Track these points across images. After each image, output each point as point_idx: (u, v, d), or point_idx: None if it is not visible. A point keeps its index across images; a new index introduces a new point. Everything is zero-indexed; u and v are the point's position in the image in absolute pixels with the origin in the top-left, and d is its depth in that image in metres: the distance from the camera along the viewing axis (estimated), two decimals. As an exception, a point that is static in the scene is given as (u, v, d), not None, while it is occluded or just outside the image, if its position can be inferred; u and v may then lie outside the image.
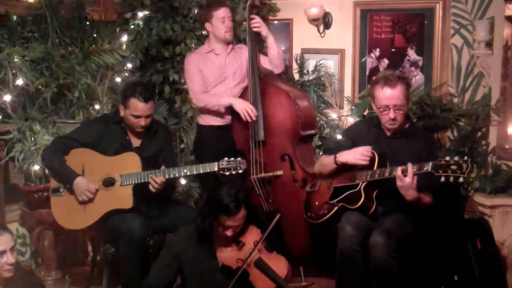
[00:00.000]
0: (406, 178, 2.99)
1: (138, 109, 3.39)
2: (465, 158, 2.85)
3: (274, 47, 3.95)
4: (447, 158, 2.87)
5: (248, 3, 3.95)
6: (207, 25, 3.95)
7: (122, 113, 3.47)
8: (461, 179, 2.83)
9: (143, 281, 3.16)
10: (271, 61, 3.99)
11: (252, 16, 3.93)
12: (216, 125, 3.98)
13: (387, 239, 3.06)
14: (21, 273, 2.93)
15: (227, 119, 3.98)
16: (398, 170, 3.02)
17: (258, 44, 4.03)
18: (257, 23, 3.90)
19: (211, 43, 3.98)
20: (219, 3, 3.98)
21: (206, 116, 4.00)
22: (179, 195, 4.17)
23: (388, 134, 3.31)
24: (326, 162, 3.43)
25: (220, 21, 3.88)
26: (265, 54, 4.04)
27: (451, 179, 2.84)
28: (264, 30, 3.92)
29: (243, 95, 3.95)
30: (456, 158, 2.85)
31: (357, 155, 3.22)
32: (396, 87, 3.17)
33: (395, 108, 3.18)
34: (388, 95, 3.18)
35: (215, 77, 3.94)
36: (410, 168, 2.98)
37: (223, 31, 3.89)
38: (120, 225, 3.30)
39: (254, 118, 3.81)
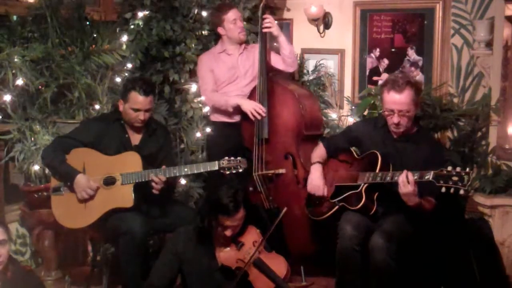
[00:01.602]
0: (407, 185, 2.97)
1: (137, 102, 3.40)
2: (467, 170, 2.84)
3: (286, 46, 3.99)
4: (449, 168, 2.86)
5: (261, 4, 4.00)
6: (219, 29, 4.03)
7: (121, 107, 3.48)
8: (461, 192, 2.83)
9: (143, 281, 3.16)
10: (284, 61, 4.04)
11: (265, 16, 3.97)
12: (226, 121, 4.06)
13: (388, 242, 3.06)
14: (21, 273, 2.93)
15: (237, 116, 4.03)
16: (400, 177, 3.00)
17: (271, 43, 4.06)
18: (268, 23, 3.94)
19: (224, 44, 4.07)
20: (228, 5, 4.07)
21: (217, 114, 4.10)
22: (179, 195, 4.17)
23: (395, 136, 3.30)
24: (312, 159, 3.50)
25: (232, 23, 3.97)
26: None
27: (452, 190, 2.83)
28: (275, 30, 3.96)
29: (251, 94, 4.00)
30: (458, 169, 2.84)
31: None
32: (403, 92, 3.14)
33: (400, 113, 3.16)
34: (394, 100, 3.16)
35: (226, 76, 4.02)
36: (411, 176, 2.97)
37: (237, 32, 3.99)
38: (120, 224, 3.30)
39: (264, 115, 3.84)
